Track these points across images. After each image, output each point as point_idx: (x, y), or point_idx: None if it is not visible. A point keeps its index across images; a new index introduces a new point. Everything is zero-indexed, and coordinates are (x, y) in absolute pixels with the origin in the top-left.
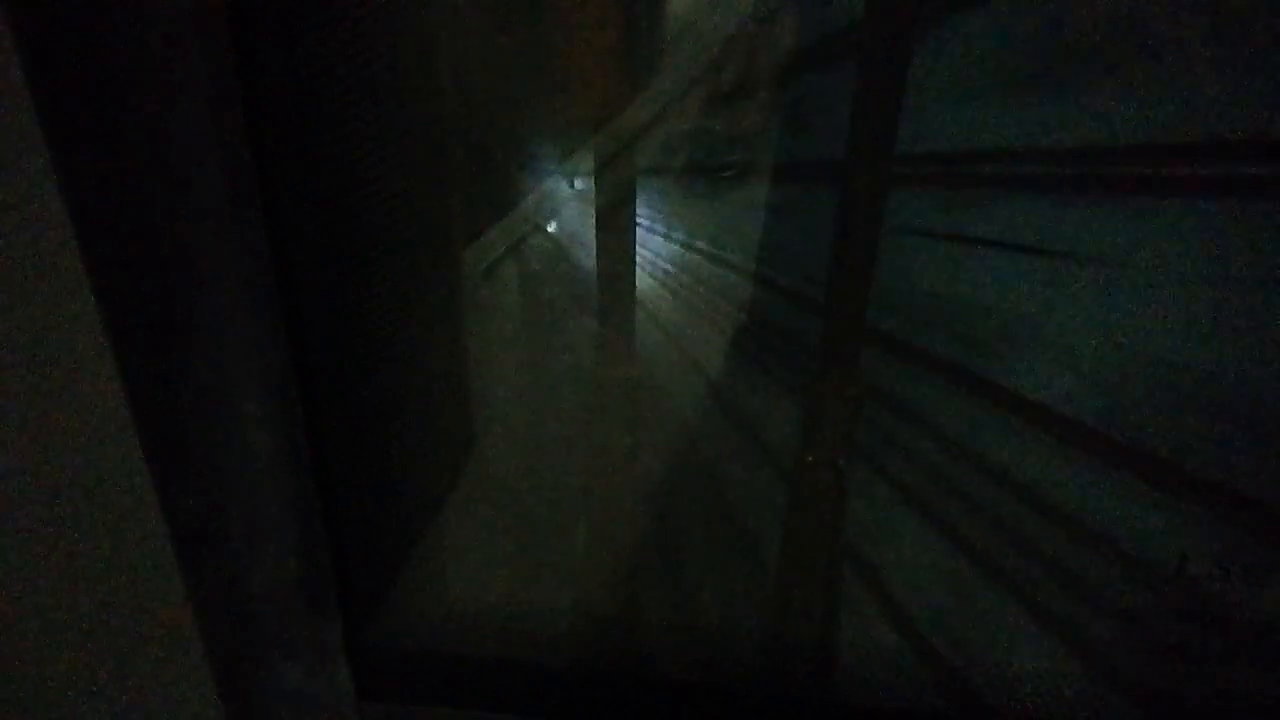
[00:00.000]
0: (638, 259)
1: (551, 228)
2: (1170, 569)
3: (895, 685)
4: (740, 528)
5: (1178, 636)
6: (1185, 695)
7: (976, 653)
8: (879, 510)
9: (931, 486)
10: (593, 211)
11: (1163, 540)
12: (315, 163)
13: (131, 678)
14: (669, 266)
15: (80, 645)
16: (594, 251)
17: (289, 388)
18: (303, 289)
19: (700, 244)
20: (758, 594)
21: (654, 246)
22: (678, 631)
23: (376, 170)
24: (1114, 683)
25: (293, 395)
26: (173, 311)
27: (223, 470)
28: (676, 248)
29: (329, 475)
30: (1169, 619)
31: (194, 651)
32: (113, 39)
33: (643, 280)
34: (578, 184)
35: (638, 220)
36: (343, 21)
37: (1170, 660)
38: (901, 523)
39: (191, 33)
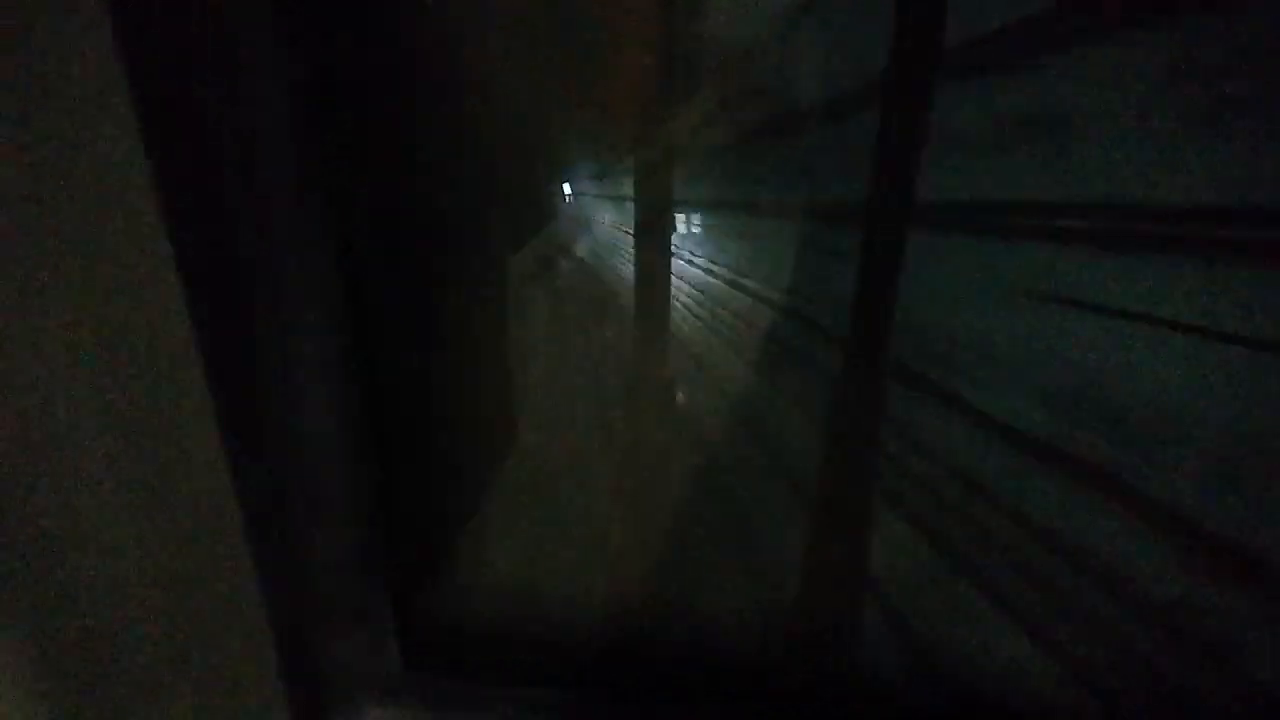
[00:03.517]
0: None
1: (588, 239)
2: (1171, 566)
3: (906, 677)
4: (758, 522)
5: (1182, 633)
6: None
7: (971, 647)
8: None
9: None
10: (627, 223)
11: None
12: (378, 164)
13: (195, 643)
14: (690, 288)
15: (148, 609)
16: (625, 261)
17: (351, 375)
18: (364, 278)
19: (722, 270)
20: (778, 581)
21: (677, 269)
22: (707, 614)
23: (433, 169)
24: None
25: (353, 382)
26: (246, 296)
27: (289, 451)
28: (700, 272)
29: (385, 454)
30: (1174, 615)
31: (256, 620)
32: (196, 39)
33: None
34: (614, 198)
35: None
36: (399, 26)
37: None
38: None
39: (274, 39)
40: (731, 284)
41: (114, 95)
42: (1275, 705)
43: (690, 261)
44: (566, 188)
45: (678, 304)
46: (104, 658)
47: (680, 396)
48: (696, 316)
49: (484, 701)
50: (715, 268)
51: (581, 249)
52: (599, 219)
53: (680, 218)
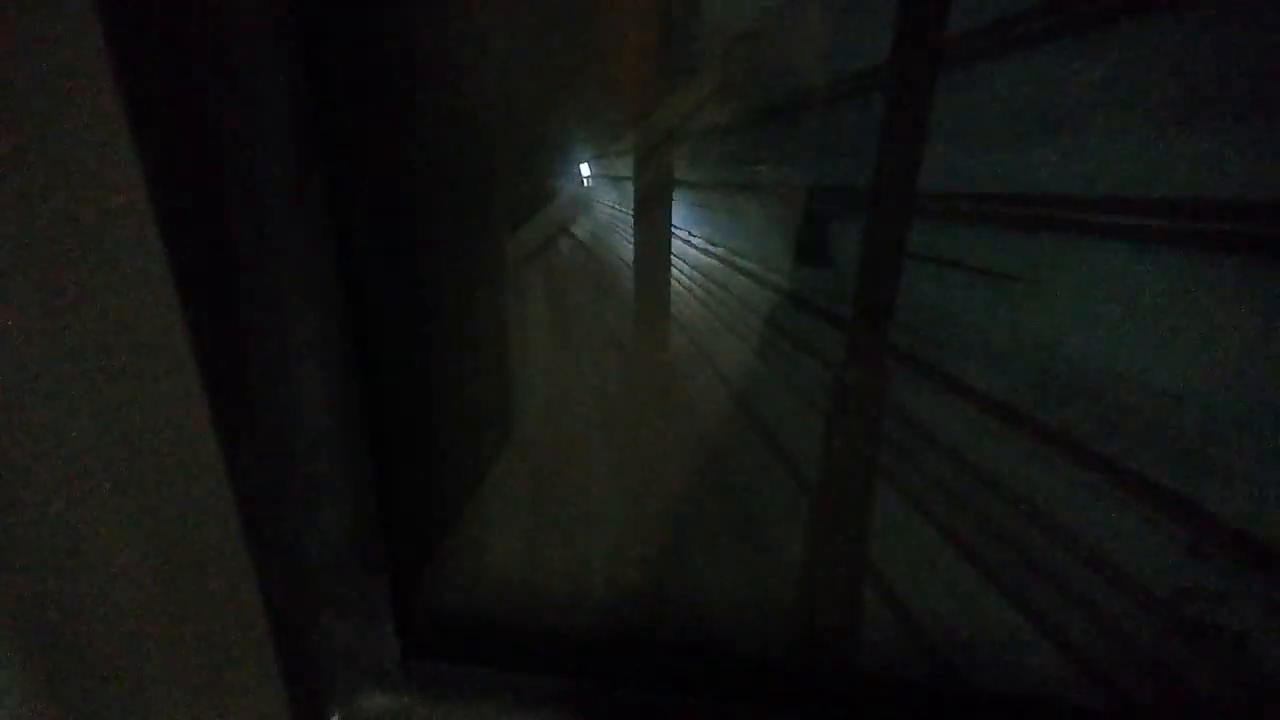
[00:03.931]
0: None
1: (584, 221)
2: (1183, 551)
3: (904, 660)
4: (760, 508)
5: (1190, 618)
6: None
7: (979, 630)
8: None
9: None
10: (624, 207)
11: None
12: (374, 153)
13: (191, 632)
14: (689, 268)
15: (144, 601)
16: (624, 244)
17: (347, 361)
18: (361, 272)
19: (720, 249)
20: (774, 568)
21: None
22: (699, 602)
23: (427, 161)
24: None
25: (349, 372)
26: (242, 289)
27: (284, 436)
28: (698, 253)
29: (382, 444)
30: (1181, 601)
31: (252, 608)
32: (192, 33)
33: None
34: (612, 180)
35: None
36: (397, 24)
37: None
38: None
39: (264, 31)
40: (731, 265)
41: (106, 96)
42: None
43: (695, 244)
44: (584, 168)
45: (677, 285)
46: (100, 650)
47: (679, 380)
48: (696, 297)
49: (483, 690)
50: (714, 248)
51: (583, 232)
52: (605, 201)
53: (682, 198)
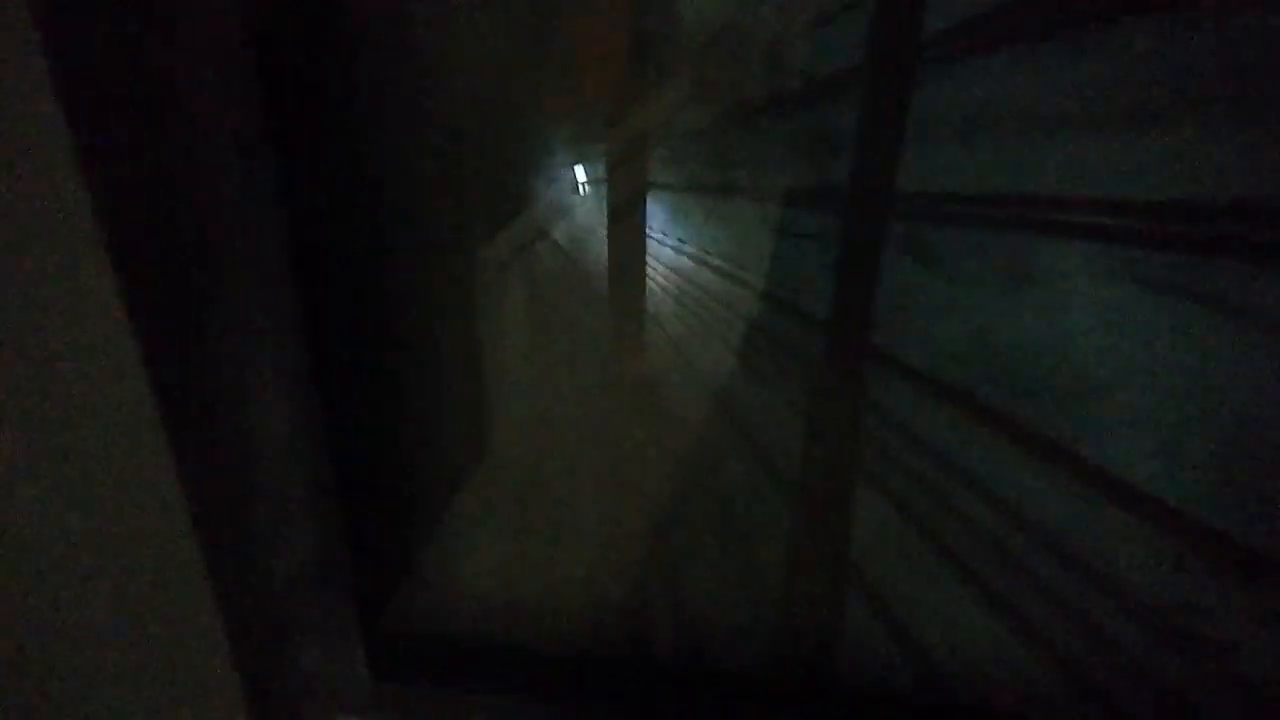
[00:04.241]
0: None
1: (558, 230)
2: (1168, 565)
3: (891, 673)
4: (742, 520)
5: (1177, 631)
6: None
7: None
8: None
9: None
10: (599, 213)
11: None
12: (330, 162)
13: (152, 658)
14: (667, 269)
15: (104, 627)
16: (599, 253)
17: (307, 381)
18: (320, 287)
19: (697, 251)
20: (756, 583)
21: (655, 252)
22: (679, 619)
23: (388, 168)
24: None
25: (311, 388)
26: (196, 308)
27: (244, 459)
28: (675, 253)
29: (347, 464)
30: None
31: (214, 632)
32: (138, 43)
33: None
34: (586, 187)
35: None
36: (353, 26)
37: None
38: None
39: (212, 40)
40: (711, 268)
41: (48, 107)
42: None
43: (675, 249)
44: (580, 173)
45: (654, 287)
46: (55, 680)
47: (658, 389)
48: (676, 300)
49: (455, 713)
50: (693, 250)
51: (562, 238)
52: (586, 207)
53: (659, 200)
